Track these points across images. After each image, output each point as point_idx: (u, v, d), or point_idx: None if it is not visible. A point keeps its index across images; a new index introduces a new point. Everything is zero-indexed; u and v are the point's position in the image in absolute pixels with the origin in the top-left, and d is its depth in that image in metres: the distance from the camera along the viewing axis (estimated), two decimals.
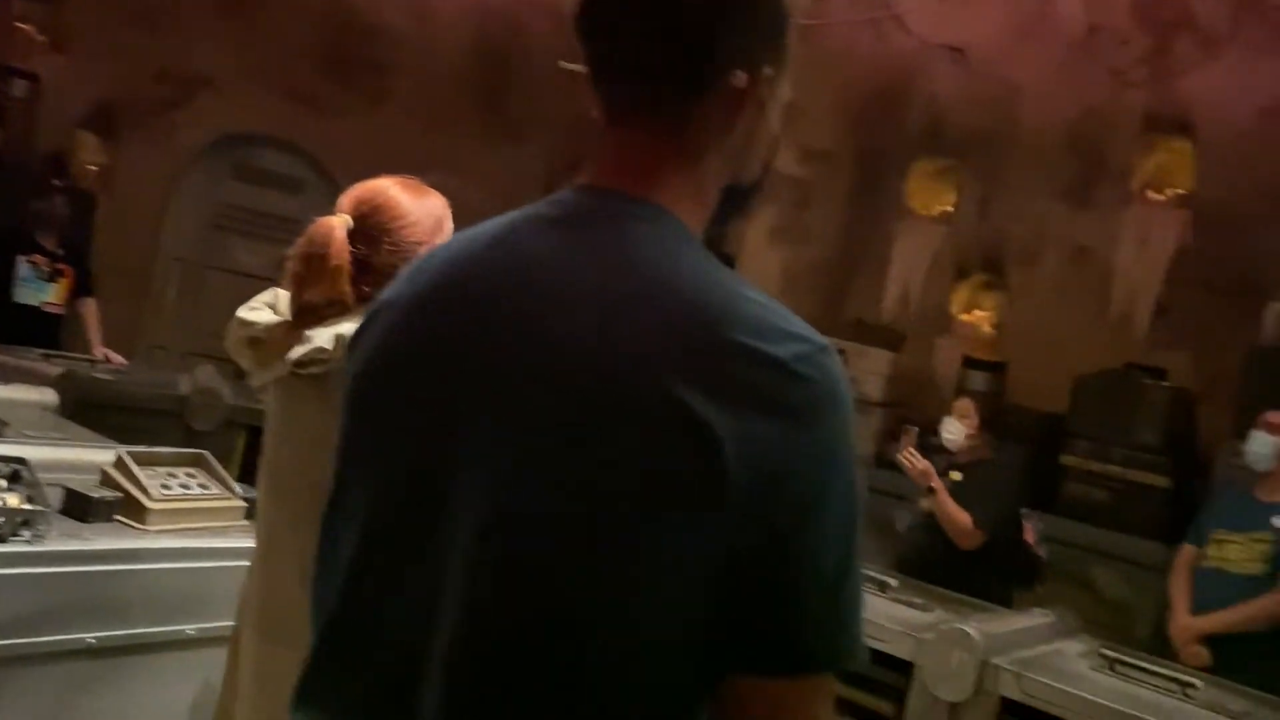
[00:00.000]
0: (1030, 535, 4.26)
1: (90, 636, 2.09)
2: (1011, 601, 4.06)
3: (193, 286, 7.03)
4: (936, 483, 4.09)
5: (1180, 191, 5.73)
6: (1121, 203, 5.87)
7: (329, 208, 1.85)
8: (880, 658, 2.96)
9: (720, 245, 0.98)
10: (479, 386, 0.89)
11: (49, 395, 3.45)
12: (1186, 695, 2.96)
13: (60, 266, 5.36)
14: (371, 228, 1.80)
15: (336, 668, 0.94)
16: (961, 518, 4.01)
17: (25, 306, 5.27)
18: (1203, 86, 5.67)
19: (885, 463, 5.66)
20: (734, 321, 0.85)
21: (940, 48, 6.34)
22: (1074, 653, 3.23)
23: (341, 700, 0.93)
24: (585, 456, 0.84)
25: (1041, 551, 4.32)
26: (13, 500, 2.02)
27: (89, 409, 3.62)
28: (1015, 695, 2.80)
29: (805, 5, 5.33)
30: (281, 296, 1.86)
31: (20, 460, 2.12)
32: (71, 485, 2.26)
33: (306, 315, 1.79)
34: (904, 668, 2.95)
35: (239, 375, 2.51)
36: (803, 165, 6.63)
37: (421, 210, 1.84)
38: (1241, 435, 4.09)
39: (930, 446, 4.34)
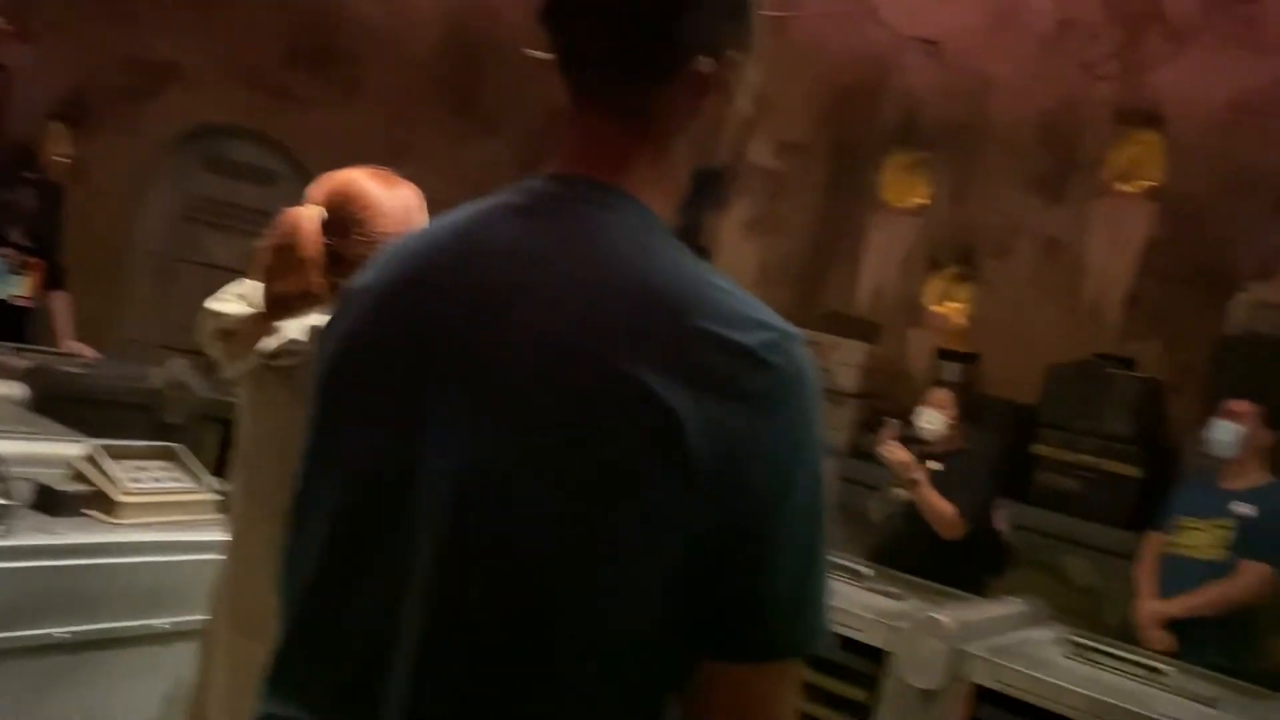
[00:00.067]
0: (999, 523, 4.32)
1: (62, 631, 2.08)
2: (984, 590, 4.10)
3: (164, 279, 6.97)
4: (920, 474, 4.12)
5: (1150, 184, 5.79)
6: (1092, 195, 5.93)
7: (301, 199, 1.84)
8: (854, 646, 2.99)
9: (696, 238, 0.98)
10: (447, 374, 0.89)
11: (18, 389, 3.42)
12: (1156, 681, 3.00)
13: (29, 259, 5.31)
14: (342, 218, 1.79)
15: (305, 656, 0.94)
16: (945, 508, 4.05)
17: None
18: (1172, 80, 5.72)
19: (860, 453, 5.70)
20: (701, 309, 0.85)
21: (914, 40, 6.37)
22: (1046, 640, 3.26)
23: (310, 689, 0.93)
24: (551, 443, 0.84)
25: (1009, 539, 4.38)
26: None
27: (59, 403, 3.58)
28: (987, 682, 2.83)
29: None
30: (252, 288, 1.85)
31: None
32: (42, 479, 2.24)
33: (278, 307, 1.78)
34: (878, 656, 2.98)
35: (211, 368, 2.50)
36: (777, 158, 6.65)
37: (392, 201, 1.83)
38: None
39: (906, 437, 4.37)
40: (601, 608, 0.84)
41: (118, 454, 2.38)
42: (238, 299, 1.87)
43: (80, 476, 2.30)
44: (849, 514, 4.72)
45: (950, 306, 6.36)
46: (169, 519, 2.35)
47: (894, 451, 4.19)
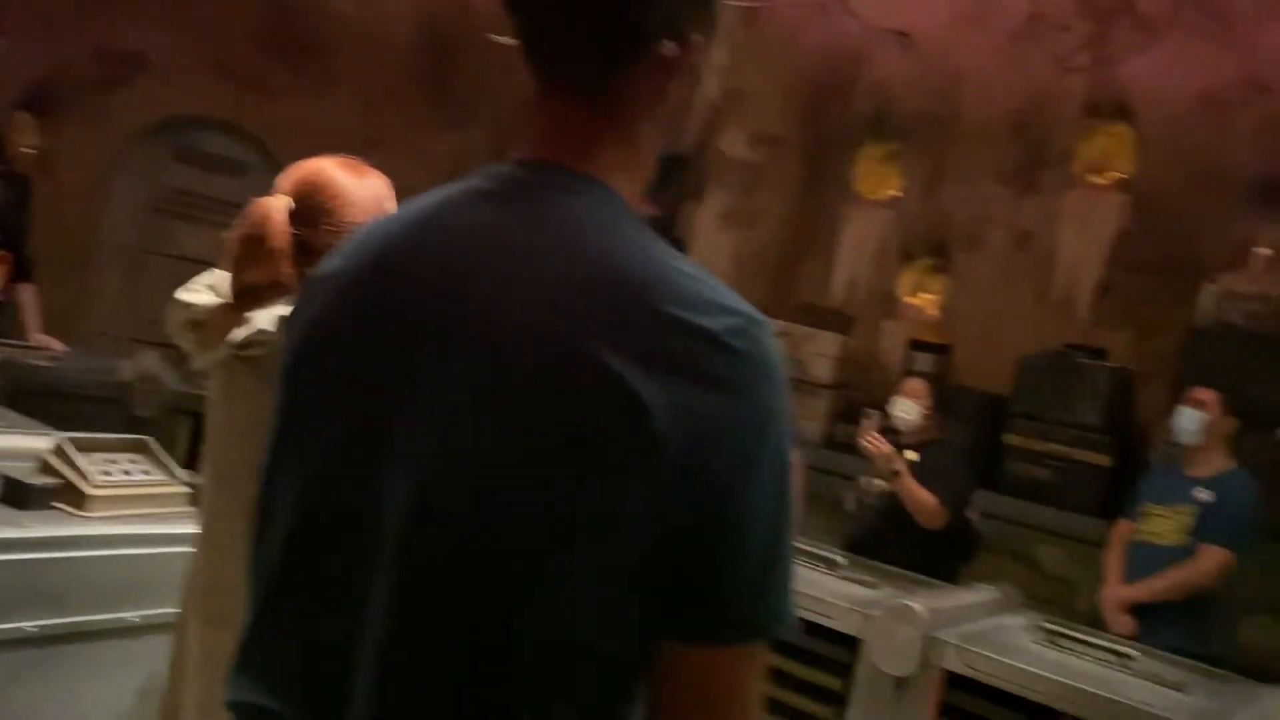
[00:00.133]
0: (970, 511, 4.36)
1: (31, 625, 2.06)
2: (957, 578, 4.13)
3: (134, 272, 6.90)
4: (901, 465, 4.14)
5: (1120, 175, 5.84)
6: (1063, 187, 5.97)
7: (272, 191, 1.83)
8: (828, 633, 3.01)
9: (672, 229, 0.98)
10: (412, 359, 0.89)
11: None
12: (1124, 666, 3.03)
13: None
14: (311, 208, 1.78)
15: (271, 646, 0.94)
16: (927, 498, 4.07)
17: None
18: (1142, 72, 5.77)
19: (834, 443, 5.72)
20: (666, 293, 0.85)
21: (886, 33, 6.39)
22: (1017, 627, 3.29)
23: (276, 670, 0.94)
24: (517, 426, 0.84)
25: (979, 527, 4.43)
26: None
27: (28, 396, 3.56)
28: (959, 669, 2.86)
29: None
30: (221, 278, 1.84)
31: None
32: (10, 473, 2.22)
33: (247, 297, 1.77)
34: (852, 643, 3.00)
35: (181, 361, 2.48)
36: (751, 150, 6.66)
37: (361, 190, 1.83)
38: None
39: (883, 428, 4.40)
40: (569, 595, 0.84)
41: (87, 447, 2.36)
42: (207, 289, 1.86)
43: (49, 469, 2.28)
44: (824, 504, 4.74)
45: (923, 298, 6.40)
46: (139, 511, 2.33)
47: (875, 443, 4.22)
